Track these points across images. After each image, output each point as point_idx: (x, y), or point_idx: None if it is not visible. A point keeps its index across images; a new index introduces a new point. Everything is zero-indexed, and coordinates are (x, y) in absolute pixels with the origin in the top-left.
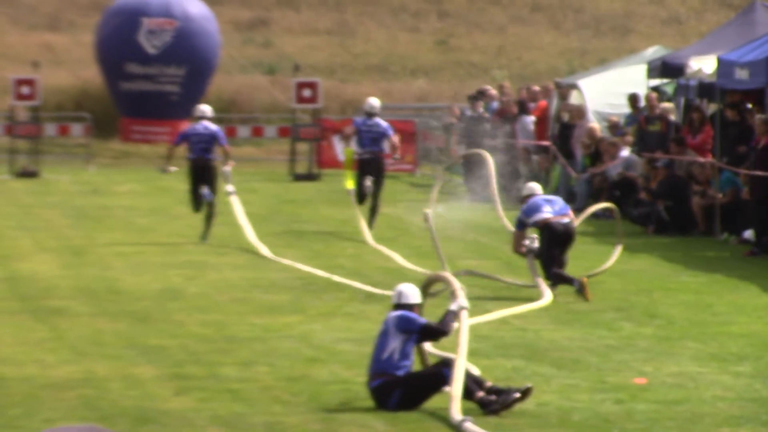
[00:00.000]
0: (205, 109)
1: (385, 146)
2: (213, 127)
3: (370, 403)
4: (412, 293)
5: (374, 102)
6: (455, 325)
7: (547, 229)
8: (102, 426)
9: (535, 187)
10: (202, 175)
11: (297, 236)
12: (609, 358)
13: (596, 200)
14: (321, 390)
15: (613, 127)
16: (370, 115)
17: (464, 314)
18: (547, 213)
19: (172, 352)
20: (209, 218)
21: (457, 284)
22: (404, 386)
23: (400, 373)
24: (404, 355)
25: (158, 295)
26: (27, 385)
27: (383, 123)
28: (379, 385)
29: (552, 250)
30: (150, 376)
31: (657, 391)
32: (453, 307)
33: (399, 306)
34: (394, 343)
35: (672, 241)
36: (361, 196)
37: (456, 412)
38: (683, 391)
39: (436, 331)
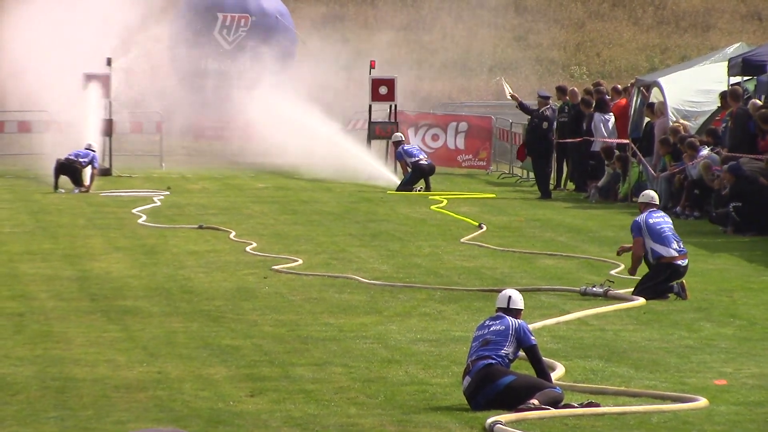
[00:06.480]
0: None
1: None
2: None
3: (447, 403)
4: (520, 299)
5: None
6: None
7: (670, 268)
8: (176, 427)
9: (654, 196)
10: None
11: (372, 236)
12: (689, 359)
13: (676, 199)
14: (397, 391)
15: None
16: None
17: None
18: (674, 251)
19: (245, 353)
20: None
21: None
22: (518, 377)
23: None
24: (511, 360)
25: (231, 294)
26: (98, 386)
27: None
28: (496, 364)
29: (663, 285)
30: (223, 377)
31: (737, 392)
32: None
33: (506, 310)
34: (510, 348)
35: (752, 241)
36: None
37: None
38: (764, 392)
39: (539, 362)
